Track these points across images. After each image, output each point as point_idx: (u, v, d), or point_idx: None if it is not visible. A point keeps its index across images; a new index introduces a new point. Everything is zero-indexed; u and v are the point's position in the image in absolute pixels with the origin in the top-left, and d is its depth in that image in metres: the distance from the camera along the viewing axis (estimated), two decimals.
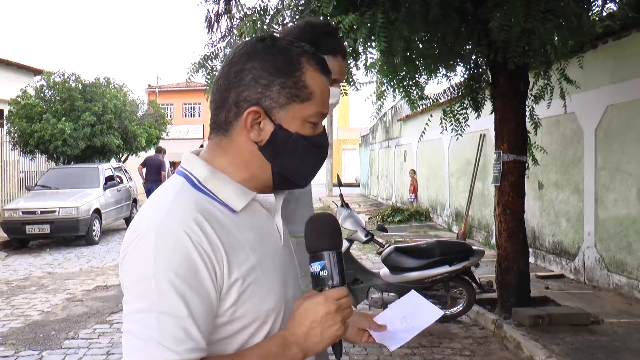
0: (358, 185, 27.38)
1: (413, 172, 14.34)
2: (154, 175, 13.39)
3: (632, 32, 5.71)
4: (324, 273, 1.04)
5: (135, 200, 13.85)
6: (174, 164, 19.24)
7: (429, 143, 12.69)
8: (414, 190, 14.32)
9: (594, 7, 5.61)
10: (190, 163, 1.05)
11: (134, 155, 18.55)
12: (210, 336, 0.95)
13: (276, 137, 1.02)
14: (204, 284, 0.92)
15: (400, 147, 17.02)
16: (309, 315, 0.99)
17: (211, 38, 5.69)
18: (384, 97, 7.46)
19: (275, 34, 1.54)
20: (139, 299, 0.90)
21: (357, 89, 6.38)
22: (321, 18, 5.31)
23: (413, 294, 1.50)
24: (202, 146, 1.19)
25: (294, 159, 1.05)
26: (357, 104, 26.83)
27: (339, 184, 6.34)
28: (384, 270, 5.15)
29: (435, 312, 1.40)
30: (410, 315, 1.42)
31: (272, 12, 5.46)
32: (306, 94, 1.02)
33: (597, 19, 5.67)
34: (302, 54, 1.03)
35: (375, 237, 5.22)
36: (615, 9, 5.73)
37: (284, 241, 1.13)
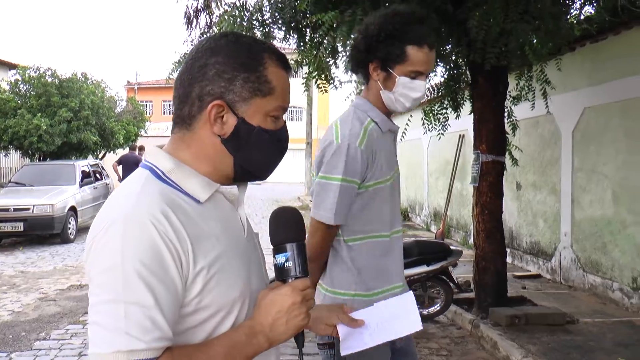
0: None
1: None
2: (131, 172, 13.27)
3: (609, 35, 5.77)
4: (289, 264, 1.06)
5: None
6: None
7: (408, 143, 12.69)
8: None
9: (572, 11, 5.68)
10: (154, 156, 1.07)
11: (112, 152, 18.28)
12: (176, 326, 0.96)
13: (239, 130, 1.05)
14: (170, 273, 0.93)
15: None
16: (275, 305, 1.02)
17: (190, 35, 5.62)
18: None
19: (238, 32, 1.45)
20: (105, 290, 0.91)
21: (336, 88, 6.36)
22: (301, 15, 5.29)
23: (409, 295, 1.52)
24: None
25: (255, 152, 1.07)
26: (337, 103, 26.80)
27: None
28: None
29: (416, 325, 1.43)
30: (390, 320, 1.44)
31: (251, 9, 5.41)
32: (268, 89, 1.05)
33: (575, 22, 5.73)
34: (265, 50, 1.07)
35: None
36: (592, 12, 5.79)
37: (247, 232, 1.15)
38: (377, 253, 1.83)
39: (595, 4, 5.60)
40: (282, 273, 1.07)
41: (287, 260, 1.06)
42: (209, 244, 1.00)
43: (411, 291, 1.67)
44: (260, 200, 20.55)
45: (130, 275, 0.90)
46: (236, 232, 1.10)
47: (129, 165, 13.31)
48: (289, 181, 31.97)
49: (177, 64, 5.56)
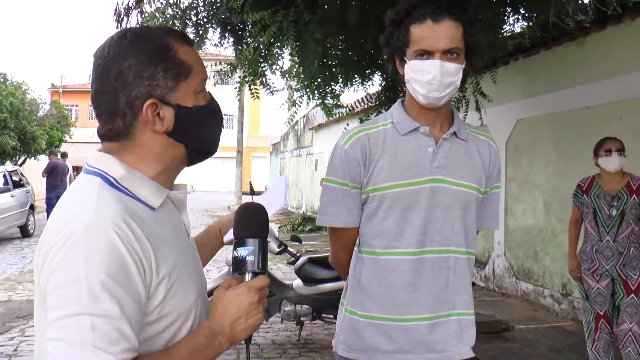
0: (250, 192, 26.91)
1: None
2: (61, 180, 12.53)
3: (540, 50, 5.97)
4: (251, 258, 1.07)
5: (32, 207, 12.75)
6: (77, 169, 18.06)
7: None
8: None
9: (506, 25, 5.84)
10: (103, 162, 1.03)
11: (33, 158, 17.25)
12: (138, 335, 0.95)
13: (180, 118, 1.04)
14: (135, 283, 0.92)
15: (311, 155, 17.03)
16: (232, 305, 1.03)
17: None
18: (298, 104, 7.35)
19: (135, 27, 1.30)
20: (69, 303, 0.87)
21: (272, 93, 6.21)
22: (237, 15, 5.12)
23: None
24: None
25: (202, 130, 1.09)
26: (268, 111, 26.60)
27: (252, 193, 6.11)
28: (297, 282, 4.97)
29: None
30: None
31: (184, 7, 5.18)
32: (186, 69, 1.05)
33: (508, 35, 5.89)
34: (166, 35, 1.06)
35: (288, 247, 5.04)
36: (524, 27, 5.97)
37: (190, 236, 1.16)
38: (378, 272, 1.61)
39: (527, 20, 5.79)
40: (241, 265, 1.07)
41: (250, 254, 1.07)
42: (166, 251, 1.00)
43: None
44: (189, 210, 19.93)
45: (95, 287, 0.87)
46: (184, 237, 1.11)
47: (59, 172, 12.55)
48: (219, 190, 31.41)
49: None
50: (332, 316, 4.97)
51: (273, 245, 4.91)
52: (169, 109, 1.03)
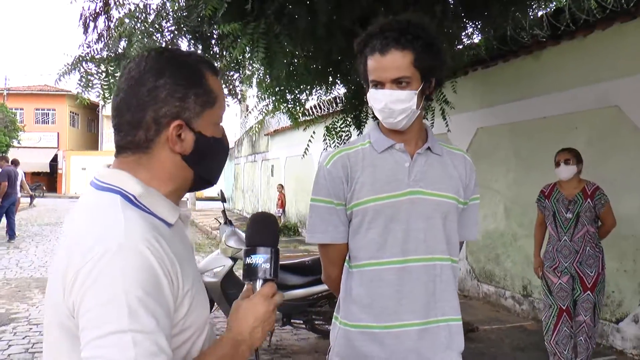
0: (219, 199, 26.74)
1: (281, 186, 14.31)
2: (13, 187, 12.13)
3: (499, 62, 6.24)
4: (265, 266, 1.13)
5: None
6: (27, 175, 17.40)
7: (298, 158, 12.80)
8: (282, 205, 14.27)
9: (464, 37, 6.06)
10: (119, 179, 1.05)
11: (9, 163, 16.47)
12: None
13: (199, 145, 1.07)
14: (166, 297, 0.95)
15: (267, 161, 17.02)
16: (249, 314, 1.09)
17: (87, 39, 5.22)
18: (263, 112, 7.39)
19: (163, 46, 1.35)
20: (109, 322, 0.88)
21: (240, 102, 6.23)
22: (207, 25, 5.14)
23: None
24: (108, 165, 1.12)
25: (212, 162, 1.13)
26: (231, 117, 26.36)
27: (223, 200, 6.12)
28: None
29: None
30: None
31: (154, 13, 5.16)
32: (213, 99, 1.08)
33: (465, 46, 6.11)
34: (200, 61, 1.10)
35: None
36: (481, 39, 6.22)
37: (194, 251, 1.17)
38: (366, 283, 1.69)
39: (484, 32, 6.03)
40: (255, 272, 1.13)
41: (265, 262, 1.13)
42: (186, 266, 1.03)
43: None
44: None
45: (134, 304, 0.89)
46: (192, 252, 1.16)
47: (13, 179, 12.10)
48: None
49: (68, 66, 5.13)
50: (301, 322, 5.03)
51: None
52: (190, 134, 1.06)
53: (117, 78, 4.84)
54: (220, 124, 1.13)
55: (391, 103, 1.62)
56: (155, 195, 1.05)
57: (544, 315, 4.17)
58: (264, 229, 1.18)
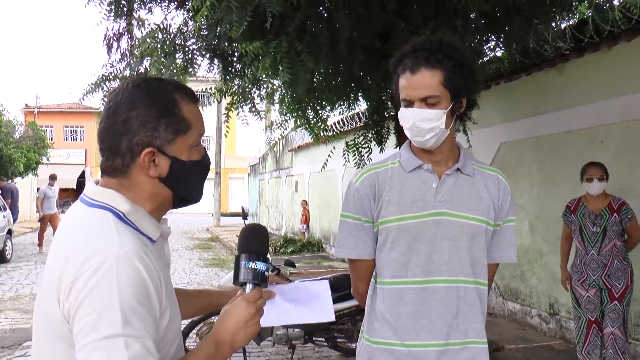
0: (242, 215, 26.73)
1: (305, 202, 14.32)
2: (15, 203, 12.53)
3: (521, 75, 6.15)
4: (267, 274, 1.24)
5: (10, 232, 12.45)
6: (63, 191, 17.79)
7: (322, 174, 12.79)
8: (306, 220, 14.27)
9: (486, 50, 6.00)
10: (109, 197, 1.14)
11: (10, 181, 16.91)
12: None
13: (174, 169, 1.16)
14: (154, 307, 1.06)
15: (291, 177, 17.03)
16: (232, 318, 1.16)
17: (110, 58, 5.32)
18: (284, 128, 7.42)
19: (146, 77, 1.42)
20: (104, 327, 0.98)
21: (261, 118, 6.27)
22: (226, 43, 5.19)
23: (325, 284, 1.52)
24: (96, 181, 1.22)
25: (190, 183, 1.22)
26: (244, 132, 26.60)
27: (244, 217, 6.13)
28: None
29: (328, 314, 1.47)
30: (305, 302, 1.47)
31: (174, 33, 5.23)
32: (186, 126, 1.17)
33: (487, 60, 6.05)
34: (175, 91, 1.18)
35: (281, 272, 5.05)
36: (504, 52, 6.15)
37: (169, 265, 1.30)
38: (387, 301, 1.72)
39: (507, 45, 5.97)
40: (259, 277, 1.22)
41: (267, 270, 1.24)
42: (165, 280, 1.13)
43: (327, 280, 1.58)
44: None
45: (127, 311, 0.99)
46: (168, 266, 1.25)
47: (15, 197, 12.45)
48: (198, 212, 31.14)
49: (92, 86, 5.23)
50: (323, 339, 4.97)
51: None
52: (165, 159, 1.15)
53: None
54: (200, 145, 1.22)
55: (419, 122, 1.64)
56: (141, 213, 1.15)
57: (574, 326, 4.25)
58: (264, 240, 1.29)
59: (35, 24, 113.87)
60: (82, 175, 36.93)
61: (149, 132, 1.13)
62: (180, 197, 1.22)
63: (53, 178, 13.10)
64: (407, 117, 1.66)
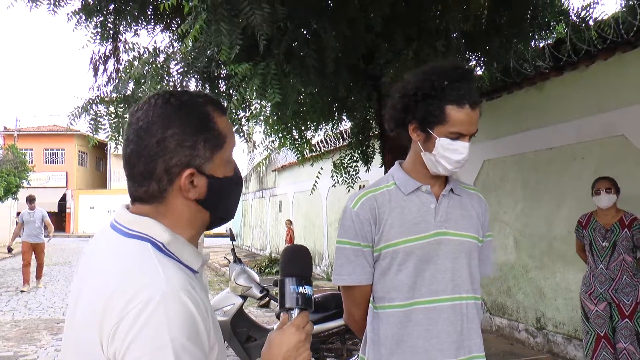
0: (228, 236, 26.46)
1: (289, 222, 14.28)
2: None
3: (503, 94, 6.29)
4: (312, 297, 1.19)
5: None
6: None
7: (306, 193, 12.81)
8: (291, 240, 14.20)
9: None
10: (147, 226, 1.05)
11: None
12: None
13: (212, 188, 1.08)
14: (204, 343, 0.98)
15: (275, 197, 17.02)
16: (283, 345, 1.10)
17: (96, 82, 5.34)
18: (269, 149, 7.46)
19: (173, 89, 1.34)
20: None
21: (247, 141, 6.29)
22: (214, 65, 5.24)
23: None
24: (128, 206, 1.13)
25: (228, 200, 1.13)
26: (237, 154, 26.56)
27: (232, 238, 6.12)
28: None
29: None
30: None
31: (163, 56, 5.27)
32: (222, 140, 1.09)
33: None
34: (207, 104, 1.09)
35: (270, 292, 5.05)
36: (483, 71, 6.29)
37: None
38: (395, 324, 1.71)
39: (487, 65, 6.11)
40: (306, 302, 1.17)
41: (312, 293, 1.19)
42: (212, 314, 1.05)
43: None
44: None
45: (180, 352, 0.92)
46: (208, 296, 1.15)
47: None
48: None
49: (79, 110, 5.23)
50: (313, 359, 4.96)
51: (255, 291, 4.93)
52: (203, 178, 1.06)
53: (125, 119, 4.91)
54: (232, 160, 1.14)
55: (468, 155, 1.68)
56: (181, 242, 1.06)
57: (583, 340, 4.28)
58: (306, 261, 1.25)
59: (13, 47, 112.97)
60: (63, 199, 36.42)
61: (187, 152, 1.03)
62: (219, 217, 1.13)
63: (31, 200, 11.18)
64: (460, 150, 1.66)
